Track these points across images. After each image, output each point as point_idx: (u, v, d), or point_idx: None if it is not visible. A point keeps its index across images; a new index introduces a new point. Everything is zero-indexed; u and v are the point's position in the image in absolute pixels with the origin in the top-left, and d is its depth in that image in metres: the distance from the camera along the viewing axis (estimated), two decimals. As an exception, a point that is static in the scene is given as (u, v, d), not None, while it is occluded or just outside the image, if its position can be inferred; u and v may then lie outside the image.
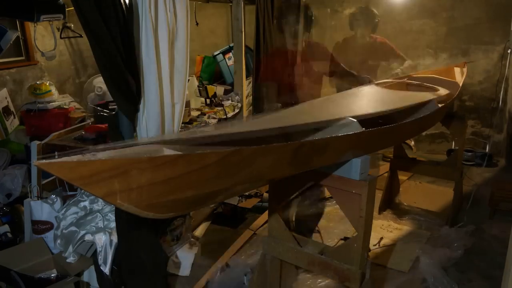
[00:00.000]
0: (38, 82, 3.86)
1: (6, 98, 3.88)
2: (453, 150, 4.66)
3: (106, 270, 2.37)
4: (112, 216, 2.49)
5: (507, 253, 1.81)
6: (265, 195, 3.60)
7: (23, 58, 4.28)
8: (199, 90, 4.58)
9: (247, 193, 3.62)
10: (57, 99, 3.86)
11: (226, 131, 1.38)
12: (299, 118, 1.62)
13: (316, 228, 3.35)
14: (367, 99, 2.41)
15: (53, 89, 3.91)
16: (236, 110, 4.36)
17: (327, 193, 3.83)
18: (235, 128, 1.38)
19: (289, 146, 1.39)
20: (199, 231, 3.31)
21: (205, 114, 3.92)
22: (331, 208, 3.71)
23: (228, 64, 4.99)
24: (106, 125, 2.93)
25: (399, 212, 3.72)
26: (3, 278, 2.19)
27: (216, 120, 3.88)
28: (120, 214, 2.29)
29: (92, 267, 2.46)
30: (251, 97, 4.55)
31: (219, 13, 5.99)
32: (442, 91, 2.77)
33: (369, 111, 1.90)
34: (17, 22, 4.09)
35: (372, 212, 1.91)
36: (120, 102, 2.23)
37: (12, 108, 3.92)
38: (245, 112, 4.48)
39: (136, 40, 2.20)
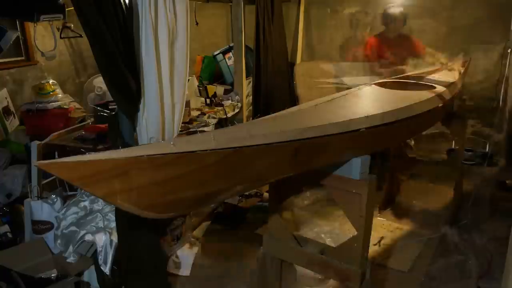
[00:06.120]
0: (42, 82, 3.86)
1: (6, 98, 3.87)
2: (453, 149, 4.66)
3: (107, 270, 2.37)
4: (112, 216, 2.49)
5: (507, 253, 1.81)
6: (265, 195, 3.60)
7: (23, 58, 4.28)
8: (199, 90, 4.58)
9: (247, 193, 3.62)
10: (61, 98, 3.87)
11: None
12: (307, 121, 1.61)
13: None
14: (369, 100, 2.41)
15: (58, 89, 3.91)
16: (236, 110, 4.36)
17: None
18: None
19: (289, 146, 1.39)
20: (199, 231, 3.31)
21: (205, 114, 3.92)
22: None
23: (228, 64, 4.99)
24: (106, 125, 2.93)
25: (400, 211, 3.71)
26: (3, 278, 2.19)
27: (216, 120, 3.88)
28: (120, 214, 2.29)
29: (93, 267, 2.47)
30: (251, 97, 4.55)
31: (219, 13, 5.99)
32: (442, 90, 2.76)
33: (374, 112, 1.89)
34: (17, 22, 4.09)
35: (372, 211, 1.91)
36: (120, 102, 2.24)
37: (12, 108, 3.92)
38: (245, 112, 4.48)
39: (136, 40, 2.20)
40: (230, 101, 4.35)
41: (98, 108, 3.26)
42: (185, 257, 2.89)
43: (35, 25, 4.04)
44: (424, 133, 4.70)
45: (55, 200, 2.67)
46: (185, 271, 2.84)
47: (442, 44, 4.90)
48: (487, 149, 4.77)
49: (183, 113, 2.54)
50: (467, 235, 3.19)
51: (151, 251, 2.36)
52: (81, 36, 4.49)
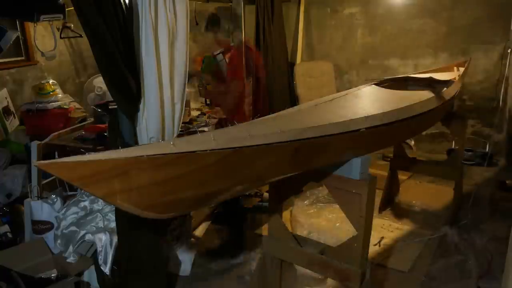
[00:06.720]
0: (42, 82, 3.87)
1: (6, 98, 3.88)
2: (453, 149, 4.66)
3: (107, 270, 2.37)
4: (112, 216, 2.49)
5: (507, 253, 1.81)
6: (265, 195, 3.60)
7: (23, 58, 4.28)
8: (199, 90, 4.58)
9: (247, 193, 3.62)
10: (61, 98, 3.88)
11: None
12: (307, 121, 1.61)
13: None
14: (369, 100, 2.41)
15: (58, 89, 3.92)
16: (236, 110, 4.36)
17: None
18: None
19: (289, 146, 1.39)
20: (199, 231, 3.31)
21: (205, 114, 3.92)
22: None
23: (228, 64, 4.98)
24: (106, 125, 2.93)
25: (400, 211, 3.72)
26: (3, 278, 2.19)
27: (216, 120, 3.88)
28: (120, 214, 2.29)
29: (93, 267, 2.46)
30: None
31: (219, 13, 5.99)
32: (442, 90, 2.76)
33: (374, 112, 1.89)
34: (17, 22, 4.09)
35: (372, 211, 1.91)
36: (120, 102, 2.23)
37: (12, 108, 3.93)
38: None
39: (136, 40, 2.20)
40: (230, 101, 4.34)
41: (98, 110, 3.26)
42: (185, 257, 2.89)
43: (35, 25, 4.05)
44: (424, 133, 4.72)
45: (55, 200, 2.66)
46: (185, 271, 2.84)
47: (442, 44, 4.91)
48: (487, 149, 4.77)
49: (183, 113, 2.54)
50: (467, 235, 3.19)
51: (151, 251, 2.36)
52: (81, 36, 4.49)
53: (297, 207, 3.73)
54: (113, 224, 2.45)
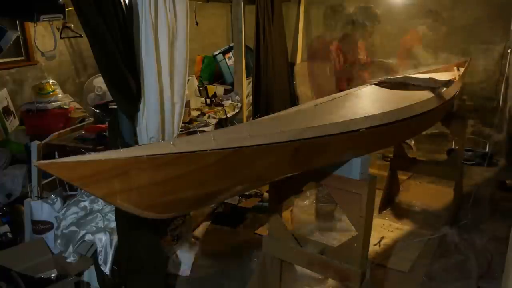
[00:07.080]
0: (42, 82, 3.87)
1: (6, 98, 3.88)
2: (453, 149, 4.66)
3: (107, 270, 2.37)
4: (112, 216, 2.49)
5: (507, 253, 1.81)
6: (265, 195, 3.60)
7: (23, 58, 4.28)
8: (199, 90, 4.58)
9: (247, 193, 3.62)
10: (61, 98, 3.88)
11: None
12: (307, 121, 1.61)
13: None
14: (369, 100, 2.41)
15: (58, 89, 3.92)
16: (236, 110, 4.36)
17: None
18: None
19: (289, 146, 1.39)
20: (199, 231, 3.31)
21: (205, 114, 3.92)
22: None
23: (228, 64, 4.99)
24: (106, 125, 2.93)
25: (400, 211, 3.71)
26: (3, 278, 2.19)
27: (216, 120, 3.88)
28: (120, 214, 2.29)
29: (93, 267, 2.47)
30: (251, 97, 4.55)
31: (219, 13, 5.99)
32: (442, 90, 2.76)
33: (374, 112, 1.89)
34: (17, 22, 4.09)
35: (372, 211, 1.91)
36: (120, 102, 2.24)
37: (12, 108, 3.92)
38: (245, 112, 4.49)
39: (136, 40, 2.20)
40: (230, 101, 4.35)
41: (97, 111, 3.26)
42: (185, 257, 2.89)
43: (35, 25, 4.05)
44: (424, 133, 4.71)
45: (55, 200, 2.67)
46: (185, 271, 2.84)
47: (442, 44, 4.91)
48: (487, 149, 4.77)
49: (183, 113, 2.54)
50: (467, 235, 3.19)
51: (151, 251, 2.36)
52: (81, 36, 4.49)
53: (297, 207, 3.73)
54: (113, 224, 2.45)
